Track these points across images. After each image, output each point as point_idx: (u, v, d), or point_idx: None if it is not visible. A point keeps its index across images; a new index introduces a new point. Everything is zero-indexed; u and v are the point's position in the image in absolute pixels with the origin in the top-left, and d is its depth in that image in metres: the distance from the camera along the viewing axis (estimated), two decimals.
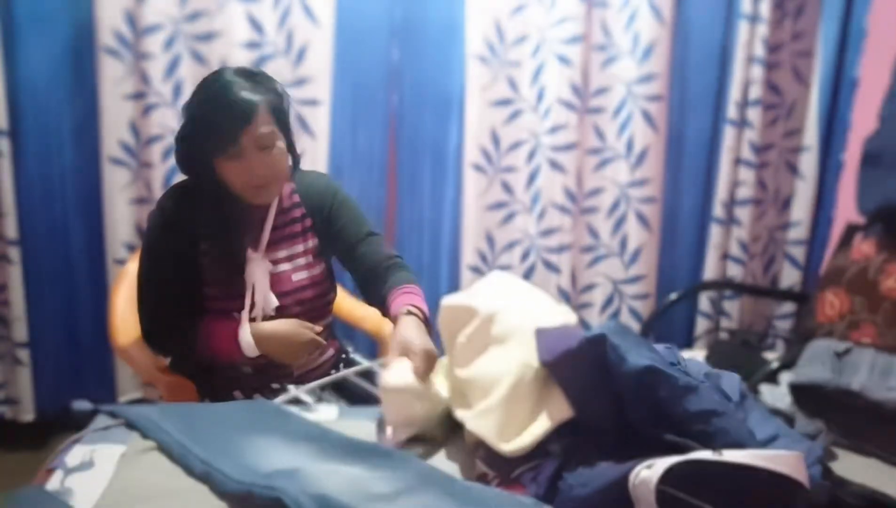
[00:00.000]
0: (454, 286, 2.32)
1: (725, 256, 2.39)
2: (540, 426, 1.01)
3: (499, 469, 1.02)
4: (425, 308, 1.19)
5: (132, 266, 1.73)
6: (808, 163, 2.33)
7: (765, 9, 2.20)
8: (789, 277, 2.42)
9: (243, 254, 1.28)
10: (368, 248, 1.31)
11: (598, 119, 2.31)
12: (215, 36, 2.04)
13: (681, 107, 2.34)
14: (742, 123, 2.29)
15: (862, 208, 1.99)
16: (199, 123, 1.20)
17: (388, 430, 1.04)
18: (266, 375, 1.32)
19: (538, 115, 2.27)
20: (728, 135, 2.29)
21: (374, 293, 1.30)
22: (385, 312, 1.25)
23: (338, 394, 1.38)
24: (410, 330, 1.10)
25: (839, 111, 2.29)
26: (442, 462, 1.08)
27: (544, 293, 1.16)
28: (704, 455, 0.81)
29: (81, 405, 2.21)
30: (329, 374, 1.35)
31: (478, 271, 2.33)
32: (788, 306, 2.45)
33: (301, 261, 1.33)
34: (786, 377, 1.54)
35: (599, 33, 2.25)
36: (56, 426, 2.09)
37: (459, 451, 1.12)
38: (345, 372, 1.30)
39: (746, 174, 2.32)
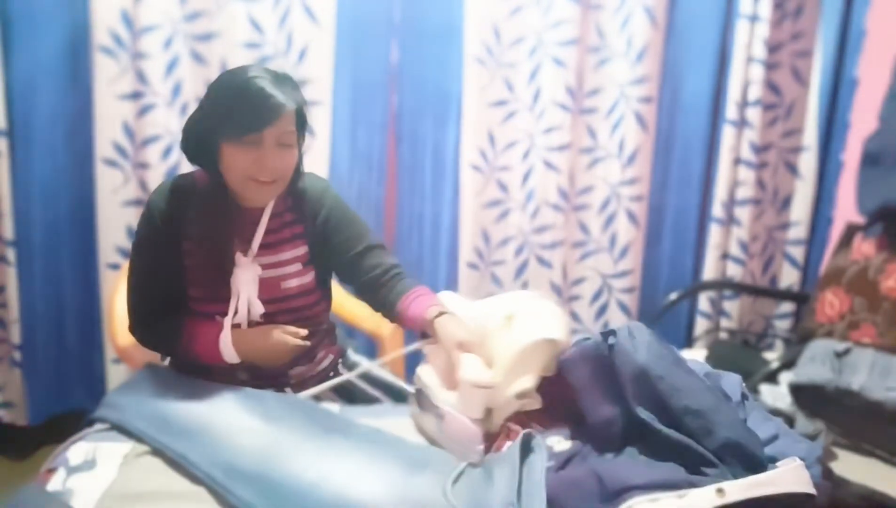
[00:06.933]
0: (452, 283, 2.33)
1: (725, 256, 2.40)
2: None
3: None
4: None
5: None
6: (808, 163, 2.33)
7: (764, 9, 2.20)
8: (788, 277, 2.42)
9: (231, 258, 1.24)
10: (371, 261, 1.31)
11: (591, 119, 2.33)
12: (215, 36, 2.04)
13: (672, 108, 2.36)
14: (741, 124, 2.29)
15: (862, 208, 2.00)
16: (220, 106, 1.16)
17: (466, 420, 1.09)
18: (263, 380, 1.31)
19: (533, 115, 2.28)
20: (727, 135, 2.29)
21: (380, 300, 1.30)
22: (395, 316, 1.27)
23: (337, 395, 1.38)
24: (457, 328, 1.15)
25: (839, 111, 2.28)
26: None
27: (559, 309, 1.18)
28: (706, 491, 0.82)
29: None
30: (327, 379, 1.34)
31: (475, 268, 2.34)
32: (788, 306, 2.45)
33: (290, 268, 1.29)
34: (786, 377, 1.55)
35: (594, 35, 2.25)
36: (45, 431, 2.07)
37: None
38: (346, 376, 1.29)
39: (746, 174, 2.32)
